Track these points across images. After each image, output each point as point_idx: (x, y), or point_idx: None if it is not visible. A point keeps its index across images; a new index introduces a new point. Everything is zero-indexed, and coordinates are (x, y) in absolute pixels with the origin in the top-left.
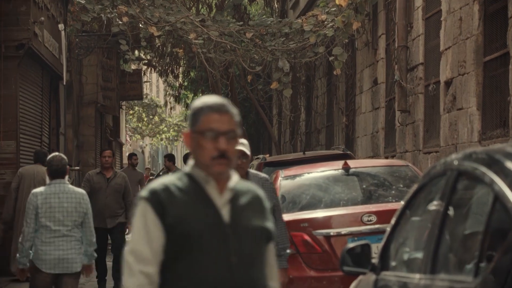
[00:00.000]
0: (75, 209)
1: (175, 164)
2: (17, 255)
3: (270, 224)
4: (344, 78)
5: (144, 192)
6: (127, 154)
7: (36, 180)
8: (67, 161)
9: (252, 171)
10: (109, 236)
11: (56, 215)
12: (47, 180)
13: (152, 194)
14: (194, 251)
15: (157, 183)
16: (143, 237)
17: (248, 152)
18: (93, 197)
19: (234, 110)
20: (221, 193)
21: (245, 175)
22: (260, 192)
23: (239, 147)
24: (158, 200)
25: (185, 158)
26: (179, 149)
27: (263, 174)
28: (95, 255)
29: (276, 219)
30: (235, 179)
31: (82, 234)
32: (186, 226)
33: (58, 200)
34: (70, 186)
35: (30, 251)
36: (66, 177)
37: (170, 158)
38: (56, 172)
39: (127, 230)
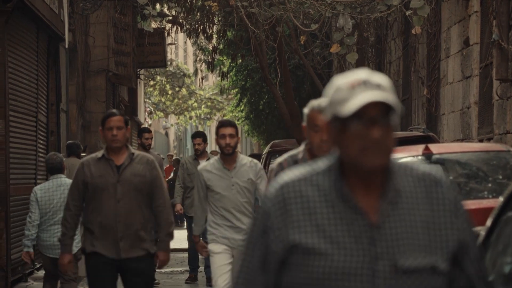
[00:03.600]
0: None
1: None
2: (23, 239)
3: None
4: (425, 39)
5: None
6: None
7: (72, 173)
8: (62, 158)
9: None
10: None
11: (53, 206)
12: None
13: None
14: None
15: None
16: None
17: (398, 105)
18: (93, 202)
19: None
20: None
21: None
22: None
23: (376, 97)
24: None
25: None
26: (213, 130)
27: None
28: None
29: None
30: None
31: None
32: None
33: (56, 193)
34: (67, 179)
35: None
36: (66, 171)
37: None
38: (53, 169)
39: (157, 265)
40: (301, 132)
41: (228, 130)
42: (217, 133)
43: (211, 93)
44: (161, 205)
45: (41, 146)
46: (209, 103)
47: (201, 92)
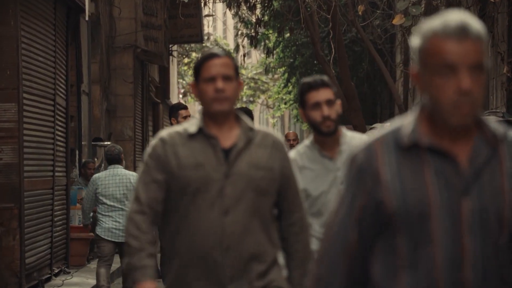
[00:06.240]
0: (127, 187)
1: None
2: (82, 219)
3: None
4: (505, 7)
5: None
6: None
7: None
8: (121, 150)
9: None
10: None
11: (111, 193)
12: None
13: None
14: None
15: None
16: None
17: None
18: (180, 212)
19: None
20: None
21: None
22: None
23: None
24: None
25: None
26: (257, 114)
27: None
28: None
29: None
30: None
31: None
32: None
33: (113, 181)
34: (124, 169)
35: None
36: (124, 162)
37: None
38: (112, 160)
39: None
40: (359, 117)
41: (323, 94)
42: (303, 102)
43: (254, 72)
44: (297, 224)
45: (59, 133)
46: (252, 84)
47: (243, 71)
